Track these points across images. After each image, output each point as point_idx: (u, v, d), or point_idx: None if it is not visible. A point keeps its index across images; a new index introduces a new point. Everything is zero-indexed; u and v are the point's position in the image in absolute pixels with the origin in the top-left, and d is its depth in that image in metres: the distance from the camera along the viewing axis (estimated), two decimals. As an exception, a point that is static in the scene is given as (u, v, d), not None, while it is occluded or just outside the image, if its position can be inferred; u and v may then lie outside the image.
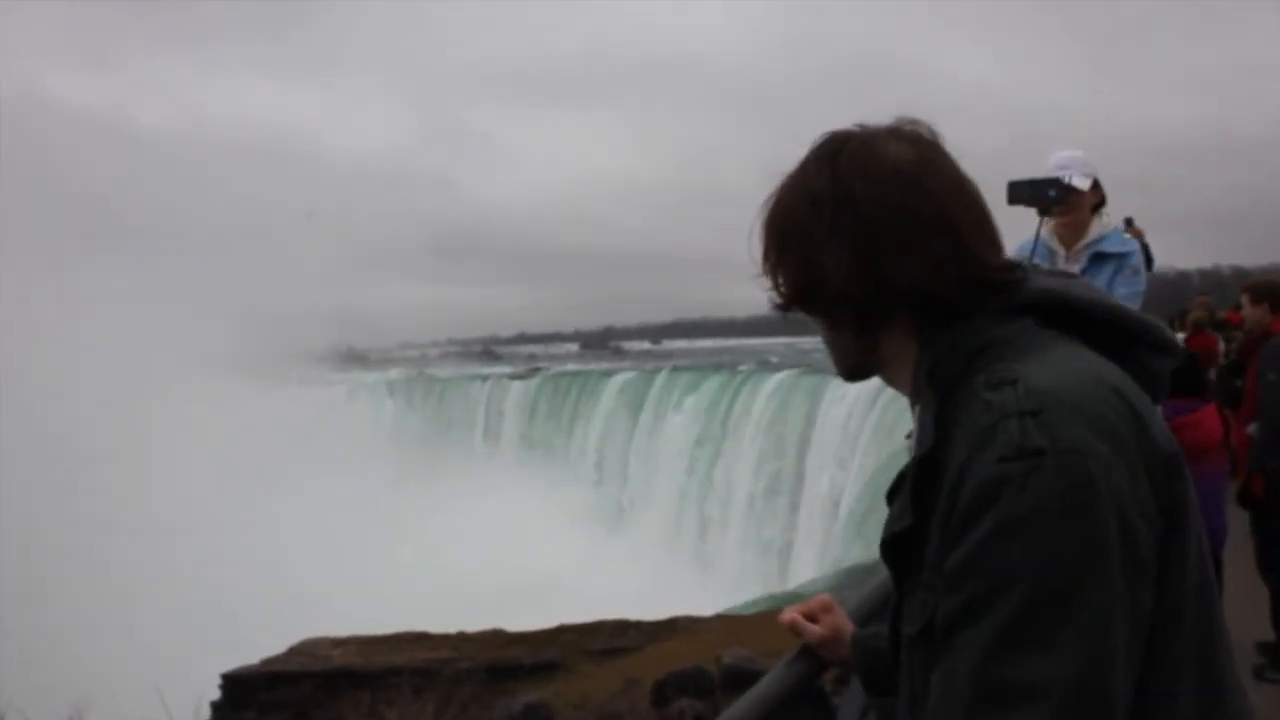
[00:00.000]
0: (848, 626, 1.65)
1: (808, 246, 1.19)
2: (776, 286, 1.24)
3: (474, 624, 15.34)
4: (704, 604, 16.93)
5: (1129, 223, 7.63)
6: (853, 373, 1.29)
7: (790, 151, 1.23)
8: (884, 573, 1.37)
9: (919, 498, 1.08)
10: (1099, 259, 5.09)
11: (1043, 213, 5.06)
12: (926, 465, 1.08)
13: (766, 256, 1.24)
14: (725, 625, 14.25)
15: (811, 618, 1.66)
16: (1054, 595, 0.95)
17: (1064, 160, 4.88)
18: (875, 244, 1.15)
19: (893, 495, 1.16)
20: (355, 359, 60.80)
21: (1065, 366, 1.07)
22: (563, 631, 14.93)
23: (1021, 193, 4.90)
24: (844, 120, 1.23)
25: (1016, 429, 1.01)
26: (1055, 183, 5.05)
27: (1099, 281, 5.02)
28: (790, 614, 1.64)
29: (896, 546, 1.12)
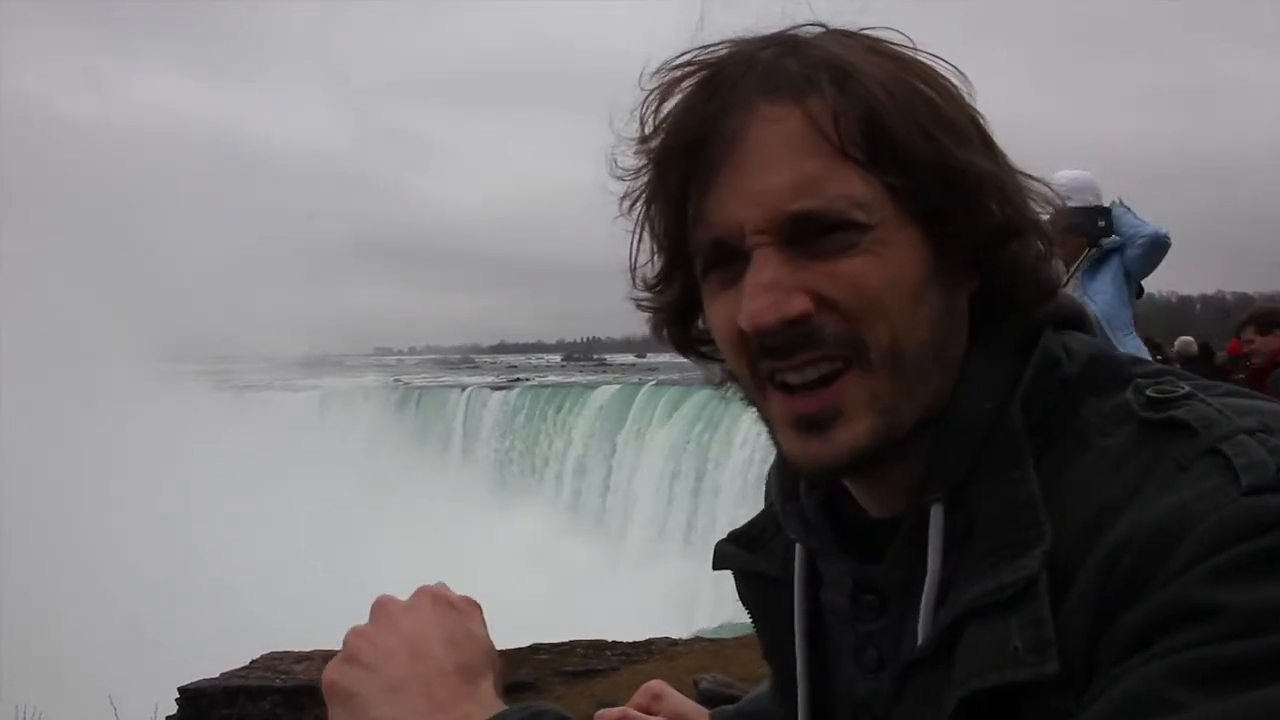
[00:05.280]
0: (690, 709, 1.29)
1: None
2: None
3: (445, 641, 14.96)
4: (684, 626, 16.61)
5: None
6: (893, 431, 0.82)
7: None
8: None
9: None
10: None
11: (1090, 243, 4.69)
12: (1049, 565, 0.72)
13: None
14: (704, 649, 13.91)
15: (644, 710, 1.26)
16: None
17: (1066, 184, 4.50)
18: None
19: (962, 626, 0.75)
20: (329, 365, 60.43)
21: None
22: (536, 650, 14.63)
23: (1070, 220, 4.50)
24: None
25: (1259, 448, 0.69)
26: (1105, 212, 4.69)
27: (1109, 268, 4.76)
28: (617, 711, 1.23)
29: (1007, 697, 0.72)
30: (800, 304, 0.77)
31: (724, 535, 1.05)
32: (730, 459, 27.57)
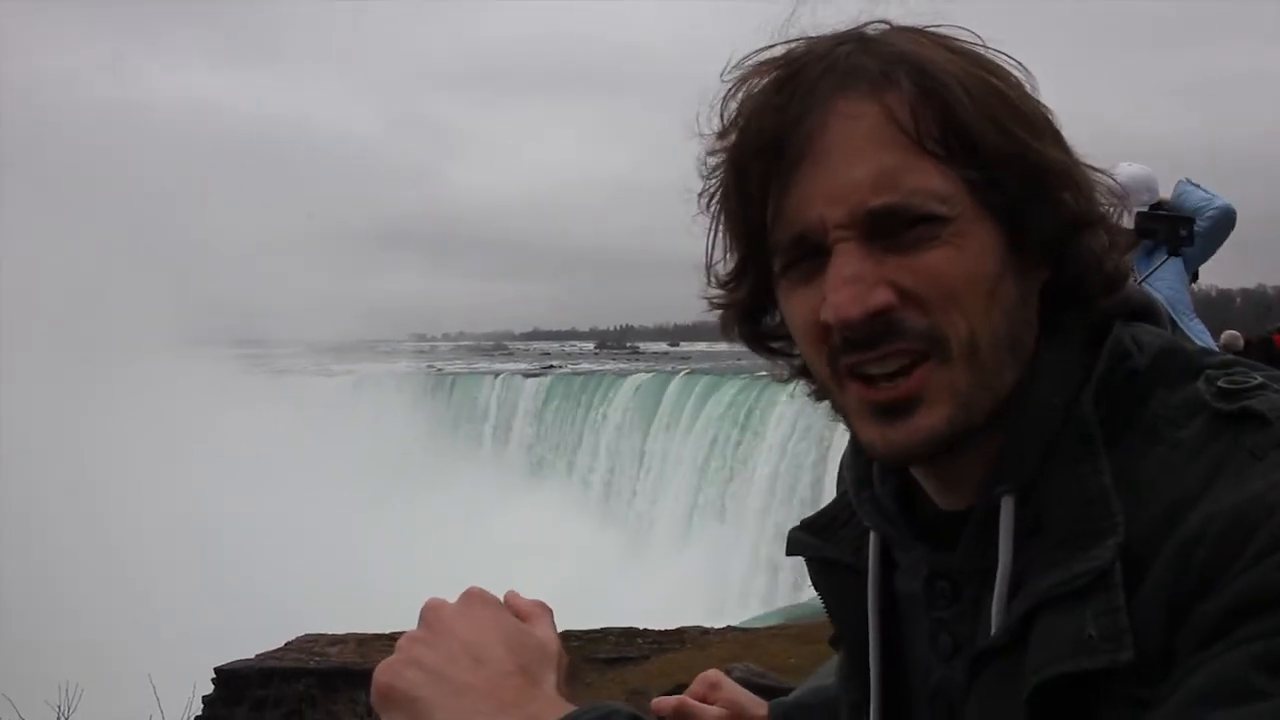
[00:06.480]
0: (747, 699, 1.26)
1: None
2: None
3: (477, 626, 15.12)
4: (715, 615, 16.62)
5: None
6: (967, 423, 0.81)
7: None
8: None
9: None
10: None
11: (1172, 251, 4.52)
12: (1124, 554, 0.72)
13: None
14: (736, 638, 13.95)
15: (701, 699, 1.25)
16: None
17: (1126, 179, 4.37)
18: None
19: (1036, 615, 0.76)
20: (363, 350, 60.84)
21: None
22: (567, 638, 14.48)
23: (1153, 226, 4.35)
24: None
25: None
26: (1189, 222, 4.51)
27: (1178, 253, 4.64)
28: (674, 699, 1.23)
29: (1079, 684, 0.72)
30: (883, 296, 0.77)
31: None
32: (762, 448, 27.48)
